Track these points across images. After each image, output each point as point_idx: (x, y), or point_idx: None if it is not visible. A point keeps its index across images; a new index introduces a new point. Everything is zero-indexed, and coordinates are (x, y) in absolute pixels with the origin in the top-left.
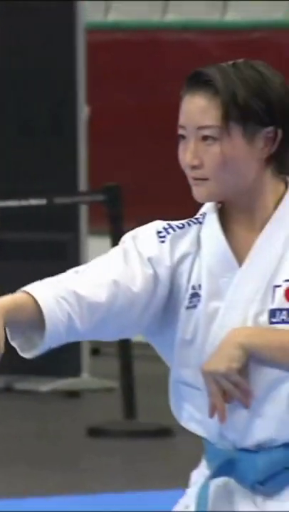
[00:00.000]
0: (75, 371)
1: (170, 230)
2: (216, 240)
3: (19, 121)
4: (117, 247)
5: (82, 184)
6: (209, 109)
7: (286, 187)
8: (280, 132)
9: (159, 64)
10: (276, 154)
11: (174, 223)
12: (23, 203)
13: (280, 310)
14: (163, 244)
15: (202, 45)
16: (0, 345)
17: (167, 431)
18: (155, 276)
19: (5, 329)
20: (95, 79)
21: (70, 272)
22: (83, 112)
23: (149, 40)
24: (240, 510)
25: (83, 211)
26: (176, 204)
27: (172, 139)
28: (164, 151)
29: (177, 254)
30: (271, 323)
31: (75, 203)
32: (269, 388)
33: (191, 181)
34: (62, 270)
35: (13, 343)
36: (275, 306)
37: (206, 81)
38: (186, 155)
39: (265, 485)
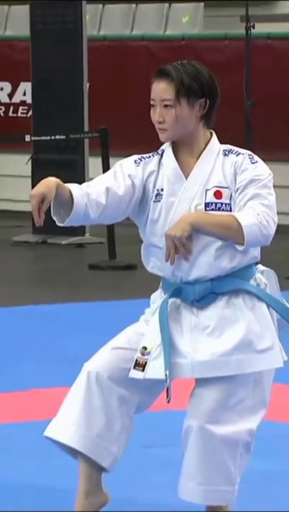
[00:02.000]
0: (82, 232)
1: (142, 159)
2: (171, 163)
3: (55, 86)
4: (110, 171)
5: (86, 126)
6: (168, 90)
7: (211, 134)
8: (207, 102)
9: (128, 57)
10: (205, 114)
11: (144, 155)
12: (51, 137)
13: (211, 203)
14: (138, 167)
15: (153, 49)
16: (50, 194)
17: (133, 266)
18: (133, 185)
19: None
20: (93, 67)
21: (85, 184)
22: (86, 85)
23: (121, 45)
24: (183, 315)
25: (86, 142)
26: (144, 142)
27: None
28: (137, 108)
29: (146, 172)
30: (209, 210)
31: (81, 137)
32: (203, 247)
33: (157, 130)
34: (73, 176)
35: (53, 215)
36: (207, 200)
37: (165, 73)
38: (155, 115)
39: (198, 302)
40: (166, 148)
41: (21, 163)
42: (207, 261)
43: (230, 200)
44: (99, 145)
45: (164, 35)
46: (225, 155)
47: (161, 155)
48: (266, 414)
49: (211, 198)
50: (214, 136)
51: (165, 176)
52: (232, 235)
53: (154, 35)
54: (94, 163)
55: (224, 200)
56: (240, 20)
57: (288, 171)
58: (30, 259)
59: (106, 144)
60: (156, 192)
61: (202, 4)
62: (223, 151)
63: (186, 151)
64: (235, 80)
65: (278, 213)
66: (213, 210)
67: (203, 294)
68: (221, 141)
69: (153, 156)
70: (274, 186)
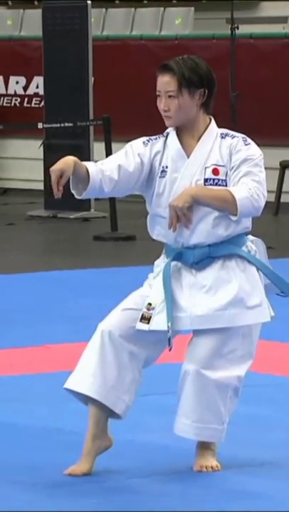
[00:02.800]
0: (88, 208)
1: (150, 140)
2: (175, 144)
3: (64, 80)
4: (121, 150)
5: (91, 115)
6: (171, 82)
7: (210, 120)
8: (206, 91)
9: (128, 54)
10: (204, 102)
11: (152, 137)
12: (61, 124)
13: (209, 179)
14: (146, 147)
15: (150, 47)
16: (68, 170)
17: (133, 237)
18: (141, 163)
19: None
20: (97, 63)
21: (100, 162)
22: (91, 79)
23: (122, 44)
24: (183, 276)
25: (91, 129)
26: (143, 129)
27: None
28: (136, 99)
29: (153, 151)
30: (208, 185)
31: (87, 125)
32: (202, 217)
33: (163, 117)
34: (80, 159)
35: (72, 189)
36: (206, 176)
37: (169, 68)
38: (161, 105)
39: (197, 264)
40: (171, 131)
41: (34, 148)
42: (206, 229)
43: (226, 177)
44: (102, 131)
45: (160, 35)
46: (222, 137)
47: (166, 137)
48: (252, 365)
49: (209, 174)
50: (213, 121)
51: (169, 155)
52: (227, 207)
53: (151, 35)
54: (98, 147)
55: (221, 176)
56: (226, 22)
57: (269, 154)
58: (42, 231)
59: (109, 130)
60: (161, 169)
61: (193, 8)
62: (221, 134)
63: (188, 134)
64: (222, 75)
65: None
66: (211, 184)
67: (201, 258)
68: None
69: (159, 137)
70: None
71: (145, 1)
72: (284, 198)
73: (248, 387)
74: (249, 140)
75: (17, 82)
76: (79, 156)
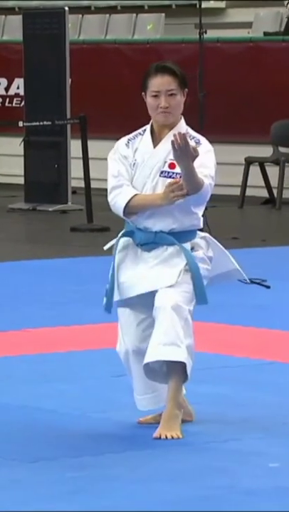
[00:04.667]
0: (65, 201)
1: (130, 140)
2: (147, 138)
3: (43, 81)
4: (115, 164)
5: (68, 114)
6: (173, 82)
7: (181, 117)
8: (187, 91)
9: (103, 57)
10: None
11: (130, 136)
12: (40, 123)
13: (164, 171)
14: (128, 148)
15: (123, 51)
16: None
17: (107, 228)
18: (129, 165)
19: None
20: (74, 65)
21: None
22: (68, 80)
23: (97, 48)
24: (130, 254)
25: (68, 127)
26: (117, 128)
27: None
28: (111, 99)
29: (134, 149)
30: (162, 176)
31: (64, 123)
32: (158, 209)
33: (161, 114)
34: (58, 154)
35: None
36: (163, 169)
37: (169, 69)
38: (161, 102)
39: (142, 246)
40: (147, 128)
41: (15, 145)
42: (157, 218)
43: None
44: (79, 129)
45: (132, 40)
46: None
47: (143, 134)
48: (216, 349)
49: (166, 167)
50: (182, 118)
51: (142, 148)
52: (198, 186)
53: (124, 40)
54: (74, 144)
55: (176, 170)
56: (194, 27)
57: (234, 150)
58: (22, 223)
59: (85, 128)
60: (134, 160)
61: (163, 14)
62: (191, 136)
63: (163, 129)
64: (191, 76)
65: (223, 185)
66: (164, 177)
67: (146, 242)
68: None
69: (137, 136)
70: (220, 163)
71: (119, 8)
72: (248, 192)
73: (212, 369)
74: (202, 139)
75: None
76: (57, 152)
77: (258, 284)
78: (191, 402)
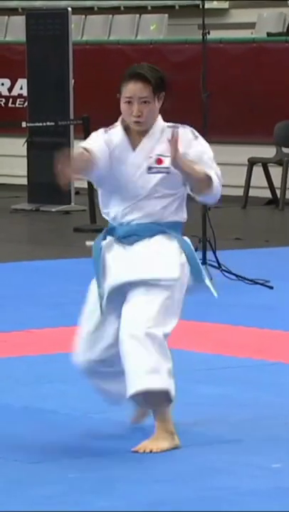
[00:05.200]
0: (69, 201)
1: (107, 131)
2: (122, 138)
3: (46, 82)
4: (95, 133)
5: (71, 115)
6: (145, 89)
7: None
8: (164, 95)
9: (106, 58)
10: (162, 104)
11: (109, 128)
12: (43, 123)
13: (153, 167)
14: (105, 134)
15: (126, 51)
16: (89, 165)
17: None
18: (106, 146)
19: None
20: (77, 66)
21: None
22: (71, 81)
23: (101, 48)
24: (115, 249)
25: (71, 128)
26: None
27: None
28: (114, 100)
29: (110, 139)
30: (149, 172)
31: (68, 124)
32: (144, 198)
33: (134, 123)
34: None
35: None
36: (150, 165)
37: (141, 75)
38: (134, 111)
39: (124, 238)
40: (118, 125)
41: (18, 145)
42: (135, 209)
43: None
44: (82, 130)
45: (136, 40)
46: (169, 128)
47: (116, 129)
48: (217, 349)
49: (152, 163)
50: (159, 116)
51: (120, 143)
52: (204, 185)
53: (128, 40)
54: (78, 145)
55: (164, 165)
56: (197, 28)
57: (238, 151)
58: (25, 223)
59: (88, 129)
60: (113, 151)
61: (166, 15)
62: (168, 126)
63: (142, 132)
64: (194, 76)
65: (226, 186)
66: (154, 173)
67: (127, 234)
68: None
69: (111, 129)
70: (223, 163)
71: (122, 9)
72: (251, 193)
73: (215, 370)
74: (196, 133)
75: (2, 84)
76: (60, 152)
77: (261, 284)
78: (193, 403)
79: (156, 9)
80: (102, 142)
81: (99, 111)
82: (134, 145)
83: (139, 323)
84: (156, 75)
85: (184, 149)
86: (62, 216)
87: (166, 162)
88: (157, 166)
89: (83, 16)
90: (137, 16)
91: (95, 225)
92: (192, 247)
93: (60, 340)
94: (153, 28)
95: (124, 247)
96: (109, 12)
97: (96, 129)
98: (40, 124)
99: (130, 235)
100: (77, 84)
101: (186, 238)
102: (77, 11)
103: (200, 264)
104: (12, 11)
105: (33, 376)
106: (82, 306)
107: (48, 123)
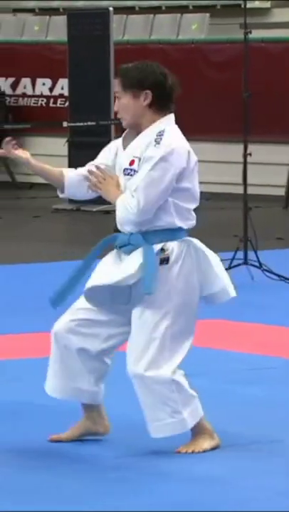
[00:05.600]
0: (109, 201)
1: (113, 142)
2: (119, 141)
3: (87, 82)
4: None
5: (112, 114)
6: (118, 84)
7: (163, 117)
8: (150, 93)
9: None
10: (153, 102)
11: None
12: (84, 123)
13: (126, 169)
14: (112, 143)
15: (168, 51)
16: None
17: None
18: (111, 155)
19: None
20: (118, 66)
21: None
22: (112, 81)
23: (142, 48)
24: (111, 256)
25: (112, 127)
26: None
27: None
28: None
29: (116, 146)
30: (124, 174)
31: (108, 124)
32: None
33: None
34: None
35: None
36: (125, 167)
37: (118, 71)
38: (114, 107)
39: (120, 248)
40: (126, 132)
41: (59, 145)
42: None
43: (138, 168)
44: (123, 130)
45: (177, 40)
46: (157, 135)
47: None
48: (258, 349)
49: (127, 165)
50: (161, 120)
51: (118, 149)
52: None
53: (169, 40)
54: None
55: (134, 167)
56: (239, 27)
57: (279, 150)
58: (66, 223)
59: None
60: (116, 162)
61: (208, 14)
62: (157, 134)
63: (134, 132)
64: (235, 76)
65: (267, 185)
66: (127, 174)
67: (123, 244)
68: (223, 126)
69: (117, 139)
70: (263, 163)
71: (163, 8)
72: None
73: (257, 370)
74: (165, 139)
75: (43, 84)
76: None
77: None
78: (234, 403)
79: (198, 8)
80: (104, 154)
81: None
82: (125, 146)
83: (143, 365)
84: (136, 71)
85: (140, 154)
86: (102, 216)
87: (136, 164)
88: (129, 167)
89: (124, 16)
90: (179, 15)
91: None
92: (153, 259)
93: None
94: (194, 28)
95: (120, 255)
96: (150, 12)
97: None
98: (81, 124)
99: (125, 245)
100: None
101: (155, 247)
102: (118, 10)
103: (152, 278)
104: (53, 11)
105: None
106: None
107: (89, 123)
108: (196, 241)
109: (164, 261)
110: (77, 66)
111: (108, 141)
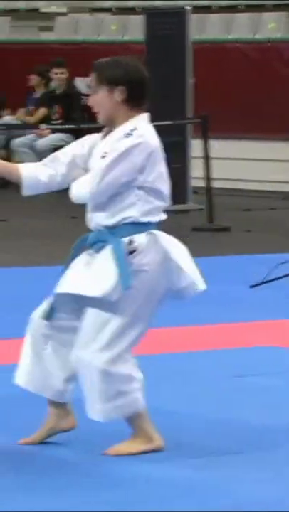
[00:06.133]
0: (186, 200)
1: (87, 139)
2: (96, 140)
3: (165, 80)
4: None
5: (189, 113)
6: (92, 80)
7: (137, 114)
8: (125, 89)
9: (225, 56)
10: (128, 99)
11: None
12: (160, 123)
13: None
14: (86, 140)
15: (245, 50)
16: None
17: (228, 228)
18: (83, 153)
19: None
20: (196, 65)
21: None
22: (190, 80)
23: (219, 47)
24: (84, 256)
25: (189, 127)
26: (237, 126)
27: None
28: (232, 98)
29: (94, 142)
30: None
31: (185, 123)
32: (97, 203)
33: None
34: (178, 155)
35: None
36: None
37: (93, 67)
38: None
39: (93, 246)
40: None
41: None
42: (97, 215)
43: None
44: (200, 129)
45: (254, 39)
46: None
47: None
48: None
49: (99, 161)
50: (136, 118)
51: (95, 147)
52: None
53: (246, 39)
54: (195, 144)
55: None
56: None
57: None
58: None
59: (206, 128)
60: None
61: (284, 13)
62: (126, 133)
63: (113, 130)
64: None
65: None
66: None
67: (93, 241)
68: None
69: (91, 134)
70: None
71: (241, 7)
72: None
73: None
74: (135, 135)
75: None
76: (177, 152)
77: None
78: None
79: (276, 7)
80: (75, 148)
81: (218, 110)
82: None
83: (86, 354)
84: (111, 66)
85: (108, 148)
86: (179, 215)
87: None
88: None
89: (202, 15)
90: (256, 14)
91: (213, 225)
92: (122, 252)
93: (180, 339)
94: (271, 27)
95: (91, 254)
96: (227, 11)
97: (214, 128)
98: (157, 124)
99: (96, 242)
100: (196, 83)
101: (123, 240)
102: (195, 10)
103: (126, 270)
104: (131, 11)
105: (153, 375)
106: (203, 306)
107: (166, 122)
108: (163, 234)
109: (132, 252)
110: (155, 65)
111: (185, 141)
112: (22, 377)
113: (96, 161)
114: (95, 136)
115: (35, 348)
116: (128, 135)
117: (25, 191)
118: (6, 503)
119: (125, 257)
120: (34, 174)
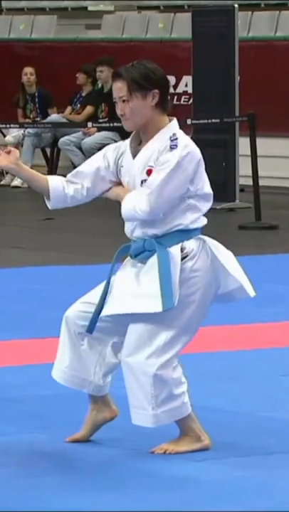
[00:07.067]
0: (233, 199)
1: (116, 148)
2: (127, 147)
3: (212, 79)
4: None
5: (237, 112)
6: (122, 88)
7: (170, 121)
8: (159, 92)
9: (272, 54)
10: (159, 103)
11: (117, 144)
12: (208, 121)
13: (144, 180)
14: (114, 151)
15: None
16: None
17: (275, 226)
18: (108, 164)
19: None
20: (243, 62)
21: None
22: (237, 78)
23: (267, 45)
24: (127, 267)
25: (237, 125)
26: (286, 125)
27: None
28: (281, 96)
29: (120, 153)
30: (141, 185)
31: (233, 121)
32: None
33: (123, 122)
34: (225, 153)
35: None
36: (142, 178)
37: (119, 75)
38: (118, 110)
39: (136, 257)
40: (134, 132)
41: None
42: (141, 225)
43: None
44: (247, 127)
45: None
46: (170, 140)
47: (129, 139)
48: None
49: (144, 175)
50: (171, 122)
51: (127, 152)
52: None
53: None
54: (243, 142)
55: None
56: None
57: None
58: None
59: (254, 126)
60: (120, 168)
61: None
62: (170, 138)
63: (144, 135)
64: None
65: None
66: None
67: (138, 251)
68: None
69: (125, 141)
70: None
71: None
72: None
73: None
74: (180, 144)
75: None
76: (225, 150)
77: None
78: None
79: None
80: (97, 161)
81: (265, 108)
82: (135, 153)
83: (133, 353)
84: (139, 72)
85: (153, 162)
86: (227, 214)
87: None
88: (147, 177)
89: (250, 12)
90: None
91: (261, 223)
92: (169, 266)
93: (225, 339)
94: None
95: (136, 266)
96: (275, 8)
97: (262, 125)
98: (205, 121)
99: (140, 252)
100: (243, 80)
101: (172, 250)
102: (243, 7)
103: (171, 291)
104: (178, 8)
105: (198, 374)
106: (247, 305)
107: (213, 120)
108: (209, 239)
109: (184, 258)
110: (202, 63)
111: (232, 139)
112: (60, 374)
113: (135, 173)
114: (117, 146)
115: (72, 345)
116: (173, 145)
117: (52, 204)
118: (56, 501)
119: (171, 272)
120: (61, 187)
